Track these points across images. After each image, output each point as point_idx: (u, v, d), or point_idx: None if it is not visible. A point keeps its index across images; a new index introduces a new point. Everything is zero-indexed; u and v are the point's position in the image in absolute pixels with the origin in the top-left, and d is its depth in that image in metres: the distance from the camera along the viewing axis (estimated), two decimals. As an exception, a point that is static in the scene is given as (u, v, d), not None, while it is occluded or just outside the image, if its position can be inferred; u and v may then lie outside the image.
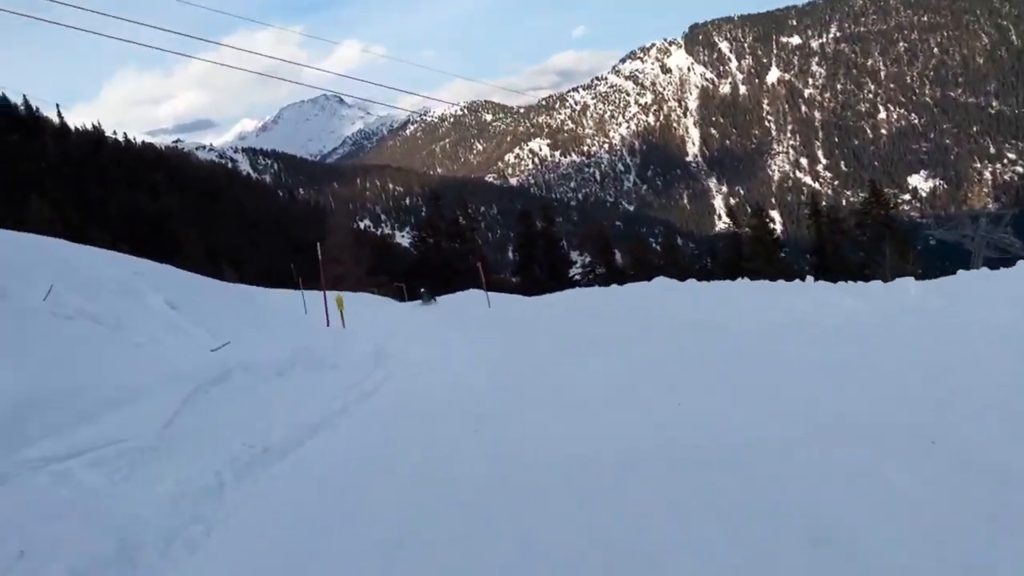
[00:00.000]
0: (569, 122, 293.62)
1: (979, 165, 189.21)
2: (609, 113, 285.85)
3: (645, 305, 13.33)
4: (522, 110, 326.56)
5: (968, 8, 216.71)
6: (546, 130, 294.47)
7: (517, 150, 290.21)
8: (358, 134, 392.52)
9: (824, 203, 50.35)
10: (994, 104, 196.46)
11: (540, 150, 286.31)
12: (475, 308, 23.13)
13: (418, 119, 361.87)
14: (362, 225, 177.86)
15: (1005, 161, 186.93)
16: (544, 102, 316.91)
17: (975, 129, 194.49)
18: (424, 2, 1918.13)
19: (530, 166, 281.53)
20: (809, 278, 12.36)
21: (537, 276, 47.61)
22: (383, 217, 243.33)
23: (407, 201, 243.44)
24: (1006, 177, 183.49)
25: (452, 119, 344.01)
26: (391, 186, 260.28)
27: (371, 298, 32.78)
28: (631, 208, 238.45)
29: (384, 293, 37.65)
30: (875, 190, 41.99)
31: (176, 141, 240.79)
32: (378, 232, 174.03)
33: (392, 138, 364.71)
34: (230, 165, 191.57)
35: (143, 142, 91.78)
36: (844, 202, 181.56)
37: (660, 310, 12.21)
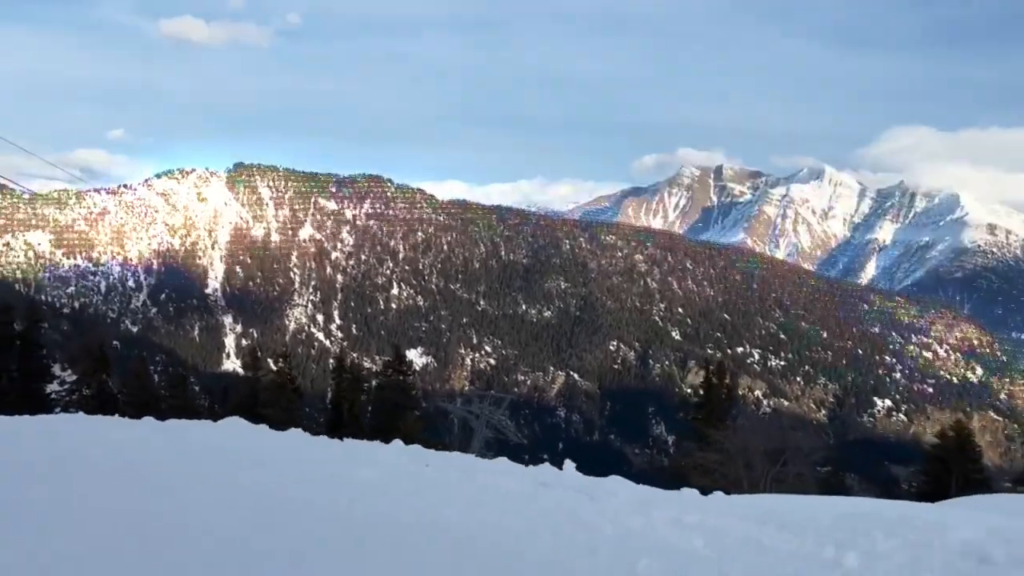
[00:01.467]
0: (82, 222, 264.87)
1: (463, 351, 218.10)
2: (131, 225, 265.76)
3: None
4: (27, 196, 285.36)
5: (474, 220, 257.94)
6: (51, 224, 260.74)
7: (9, 237, 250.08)
8: None
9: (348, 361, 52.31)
10: (482, 302, 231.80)
11: (39, 244, 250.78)
12: None
13: None
14: None
15: (483, 352, 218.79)
16: (57, 194, 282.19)
17: (465, 320, 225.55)
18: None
19: (21, 259, 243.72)
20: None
21: (4, 388, 39.95)
22: None
23: None
24: (481, 365, 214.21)
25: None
26: None
27: None
28: (134, 329, 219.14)
29: None
30: (398, 354, 45.22)
31: None
32: None
33: None
34: None
35: None
36: (348, 363, 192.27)
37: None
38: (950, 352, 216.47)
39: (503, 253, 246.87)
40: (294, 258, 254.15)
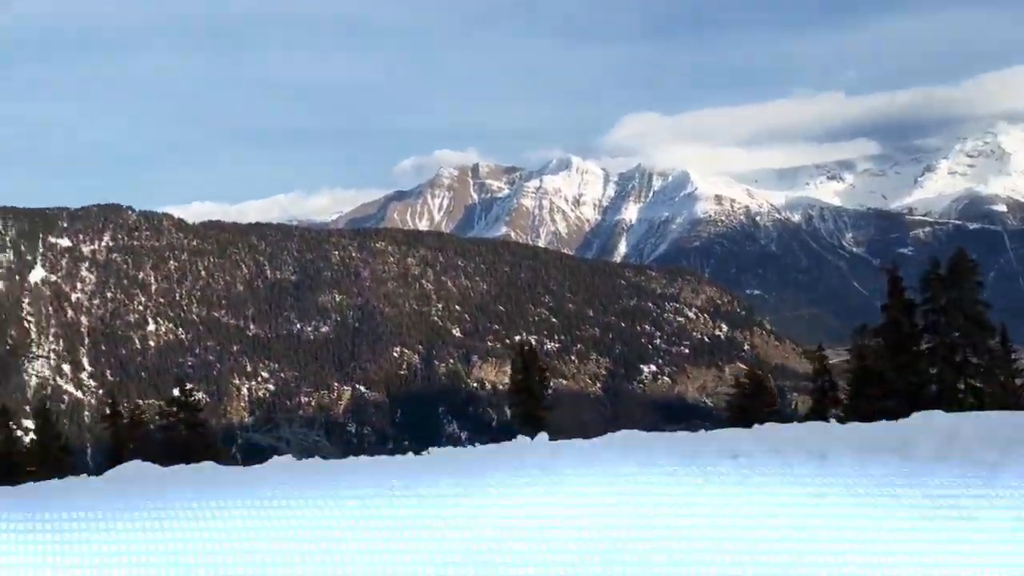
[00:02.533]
0: None
1: (238, 381, 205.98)
2: None
3: None
4: None
5: (232, 240, 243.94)
6: None
7: None
8: None
9: (123, 406, 46.55)
10: (252, 327, 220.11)
11: None
12: None
13: None
14: None
15: (259, 379, 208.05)
16: None
17: (235, 348, 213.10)
18: None
19: None
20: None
21: None
22: None
23: None
24: (260, 393, 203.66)
25: None
26: None
27: None
28: None
29: None
30: (183, 389, 40.99)
31: None
32: None
33: None
34: None
35: None
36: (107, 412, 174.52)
37: None
38: (699, 314, 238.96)
39: (268, 272, 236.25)
40: (26, 305, 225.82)
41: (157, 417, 40.32)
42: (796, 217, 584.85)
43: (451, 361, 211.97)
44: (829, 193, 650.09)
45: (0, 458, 36.49)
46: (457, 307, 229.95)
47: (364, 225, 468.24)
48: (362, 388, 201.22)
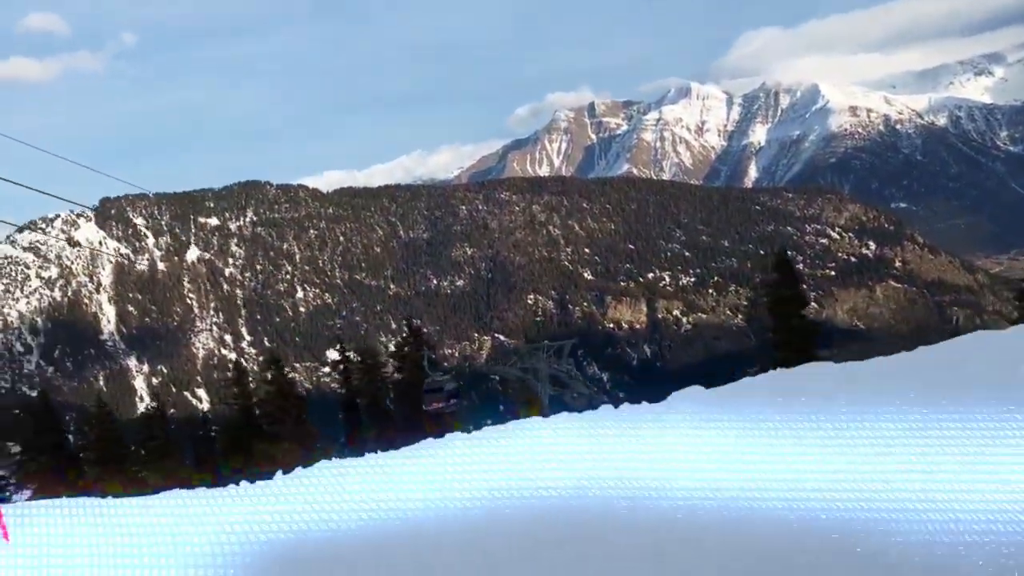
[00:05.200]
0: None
1: (385, 339, 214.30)
2: (4, 287, 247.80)
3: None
4: None
5: (364, 205, 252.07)
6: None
7: None
8: None
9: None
10: (392, 286, 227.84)
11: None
12: None
13: None
14: None
15: (403, 334, 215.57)
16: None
17: (379, 307, 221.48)
18: None
19: None
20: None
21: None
22: None
23: None
24: (406, 349, 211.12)
25: None
26: None
27: None
28: (33, 394, 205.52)
29: None
30: (412, 329, 41.95)
31: None
32: None
33: None
34: None
35: None
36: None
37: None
38: (842, 234, 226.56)
39: (401, 232, 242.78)
40: (186, 283, 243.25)
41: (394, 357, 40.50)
42: (941, 120, 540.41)
43: (585, 304, 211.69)
44: (977, 90, 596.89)
45: (243, 410, 38.32)
46: (586, 250, 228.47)
47: (486, 178, 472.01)
48: (501, 337, 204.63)
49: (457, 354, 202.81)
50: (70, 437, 40.82)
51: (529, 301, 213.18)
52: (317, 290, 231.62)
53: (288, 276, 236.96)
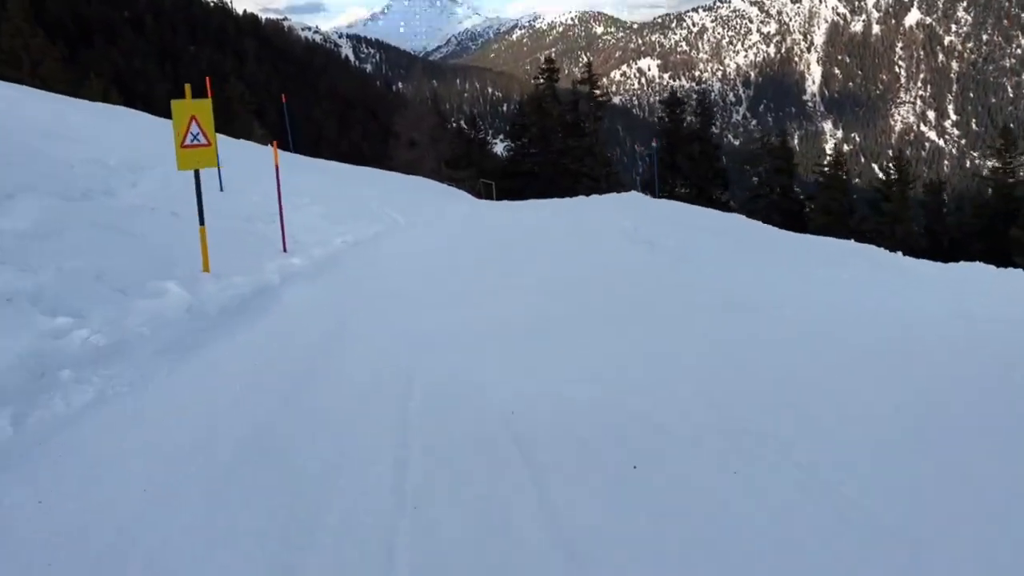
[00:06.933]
0: (684, 44, 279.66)
1: None
2: (728, 39, 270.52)
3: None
4: (635, 26, 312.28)
5: None
6: (658, 50, 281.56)
7: (624, 67, 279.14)
8: (464, 34, 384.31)
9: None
10: None
11: (649, 70, 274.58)
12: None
13: (526, 24, 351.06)
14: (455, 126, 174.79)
15: None
16: (660, 20, 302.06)
17: None
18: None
19: (636, 86, 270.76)
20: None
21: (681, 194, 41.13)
22: (479, 122, 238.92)
23: (504, 108, 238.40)
24: None
25: (561, 27, 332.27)
26: (490, 90, 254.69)
27: (436, 187, 29.73)
28: (736, 143, 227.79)
29: (466, 188, 34.55)
30: None
31: (283, 19, 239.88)
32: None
33: (498, 41, 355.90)
34: (332, 49, 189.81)
35: (245, 11, 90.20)
36: (968, 164, 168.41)
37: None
38: None
39: None
40: (899, 50, 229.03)
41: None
42: None
43: None
44: None
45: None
46: None
47: None
48: None
49: None
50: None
51: None
52: None
53: (1019, 51, 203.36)
